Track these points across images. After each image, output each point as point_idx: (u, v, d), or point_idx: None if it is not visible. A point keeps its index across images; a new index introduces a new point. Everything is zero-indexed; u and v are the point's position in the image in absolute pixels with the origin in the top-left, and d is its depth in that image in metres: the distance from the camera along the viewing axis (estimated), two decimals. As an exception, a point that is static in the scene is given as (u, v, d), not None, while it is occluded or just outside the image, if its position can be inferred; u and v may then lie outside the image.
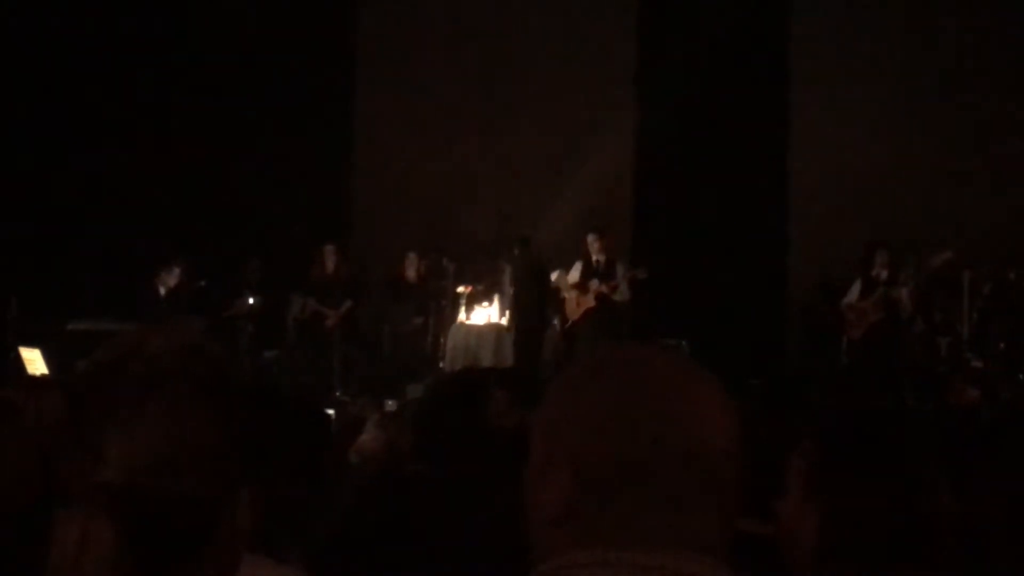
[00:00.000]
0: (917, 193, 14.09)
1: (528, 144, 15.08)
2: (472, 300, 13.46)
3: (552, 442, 1.38)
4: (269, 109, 14.55)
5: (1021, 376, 12.27)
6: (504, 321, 13.35)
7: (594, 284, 13.01)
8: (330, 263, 13.72)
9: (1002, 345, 12.53)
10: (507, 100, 15.17)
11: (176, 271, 13.17)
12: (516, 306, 13.22)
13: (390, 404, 8.87)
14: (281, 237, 14.02)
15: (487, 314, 13.28)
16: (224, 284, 13.68)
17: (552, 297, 13.25)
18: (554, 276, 13.32)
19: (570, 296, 13.15)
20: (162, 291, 13.18)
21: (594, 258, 13.09)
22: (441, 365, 13.02)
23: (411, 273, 13.92)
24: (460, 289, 13.57)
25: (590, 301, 13.00)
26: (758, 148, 14.66)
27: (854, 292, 12.79)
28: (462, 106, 15.24)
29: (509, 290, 13.46)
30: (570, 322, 13.15)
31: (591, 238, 13.07)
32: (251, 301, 13.59)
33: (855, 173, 14.31)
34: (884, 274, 12.65)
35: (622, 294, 13.09)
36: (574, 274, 13.17)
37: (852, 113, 14.46)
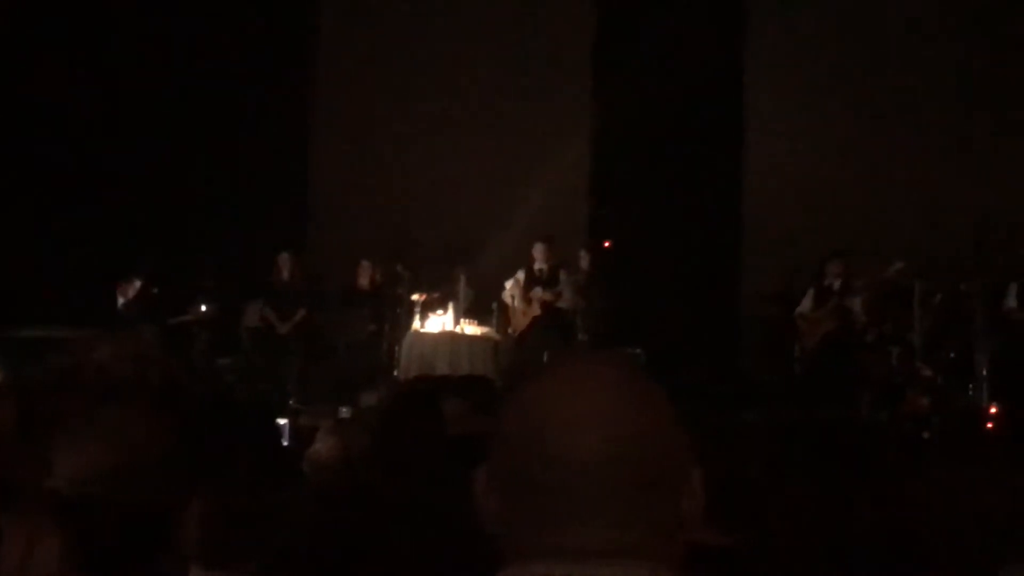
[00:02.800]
0: (870, 204, 14.20)
1: (484, 152, 15.07)
2: (427, 308, 13.41)
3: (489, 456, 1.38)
4: (225, 116, 14.45)
5: (971, 386, 12.40)
6: (468, 330, 13.24)
7: (536, 292, 13.04)
8: (285, 271, 13.71)
9: (952, 355, 12.65)
10: (463, 108, 15.14)
11: (137, 284, 13.15)
12: (585, 322, 13.23)
13: (344, 412, 8.84)
14: (237, 244, 13.96)
15: (442, 322, 13.24)
16: (178, 291, 13.61)
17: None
18: (508, 285, 13.31)
19: (516, 306, 13.16)
20: (120, 300, 13.11)
21: (537, 266, 13.12)
22: (395, 373, 12.97)
23: (365, 281, 13.89)
24: (415, 297, 13.52)
25: (535, 310, 13.04)
26: (712, 158, 14.74)
27: (807, 302, 12.88)
28: (417, 114, 15.20)
29: (465, 298, 13.42)
30: (518, 332, 13.17)
31: (540, 247, 13.09)
32: (204, 308, 13.52)
33: (809, 183, 14.40)
34: (837, 284, 12.74)
35: (566, 300, 13.12)
36: (519, 283, 13.19)
37: (805, 124, 14.56)
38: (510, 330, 13.47)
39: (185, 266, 13.69)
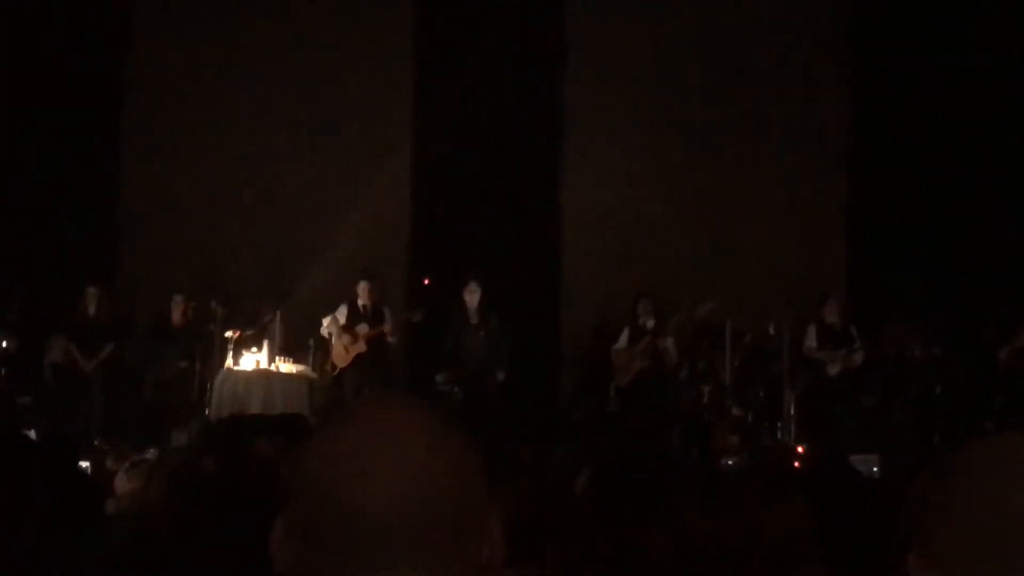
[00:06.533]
0: (684, 243, 14.54)
1: (301, 187, 14.89)
2: (240, 345, 13.16)
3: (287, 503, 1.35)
4: (33, 144, 14.03)
5: (780, 424, 12.78)
6: (283, 368, 13.00)
7: (362, 329, 12.97)
8: (92, 305, 13.34)
9: (761, 394, 13.03)
10: (281, 142, 14.94)
11: None
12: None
13: (152, 452, 8.57)
14: (41, 276, 13.52)
15: (255, 359, 13.01)
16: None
17: None
18: (326, 322, 13.17)
19: (338, 342, 13.02)
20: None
21: (360, 303, 13.05)
22: (207, 412, 12.67)
23: (177, 316, 13.55)
24: (228, 333, 13.24)
25: (361, 347, 12.95)
26: (532, 197, 14.88)
27: (623, 339, 13.11)
28: (233, 147, 14.92)
29: (279, 335, 13.22)
30: (338, 369, 13.04)
31: (363, 285, 13.02)
32: (4, 343, 13.04)
33: (626, 222, 14.66)
34: (651, 323, 13.00)
35: (392, 337, 13.10)
36: (339, 319, 13.07)
37: (623, 165, 14.84)
38: (328, 367, 13.33)
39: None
